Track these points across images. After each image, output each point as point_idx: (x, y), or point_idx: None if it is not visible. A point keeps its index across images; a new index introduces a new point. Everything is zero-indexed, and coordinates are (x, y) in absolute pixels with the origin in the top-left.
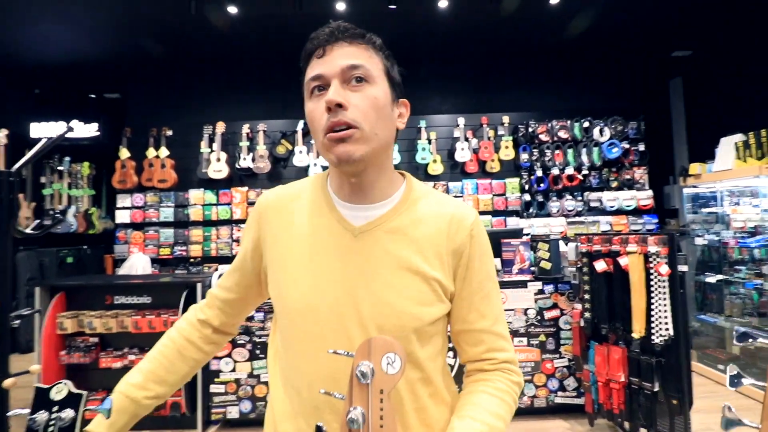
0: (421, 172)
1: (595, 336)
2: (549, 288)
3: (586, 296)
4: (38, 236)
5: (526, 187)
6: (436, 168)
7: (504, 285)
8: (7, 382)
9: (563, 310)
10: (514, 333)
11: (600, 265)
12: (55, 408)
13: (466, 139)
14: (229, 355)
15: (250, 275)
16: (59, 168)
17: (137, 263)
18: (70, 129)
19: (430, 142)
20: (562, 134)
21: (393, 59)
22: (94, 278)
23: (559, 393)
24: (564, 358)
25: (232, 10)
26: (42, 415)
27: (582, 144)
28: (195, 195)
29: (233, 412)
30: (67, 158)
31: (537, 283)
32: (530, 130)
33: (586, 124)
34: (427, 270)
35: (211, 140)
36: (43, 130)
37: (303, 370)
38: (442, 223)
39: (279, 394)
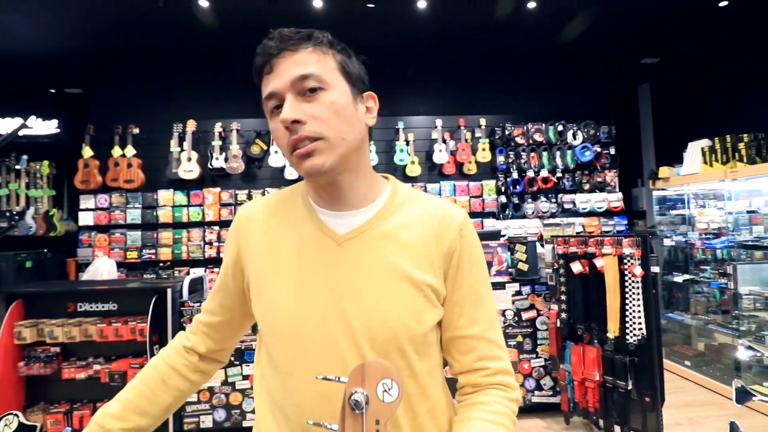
0: (399, 174)
1: (571, 336)
2: (526, 289)
3: (563, 297)
4: None
5: (503, 189)
6: (414, 169)
7: None
8: None
9: (540, 311)
10: None
11: (576, 267)
12: None
13: (444, 141)
14: None
15: (234, 295)
16: (16, 167)
17: (102, 267)
18: (25, 125)
19: (408, 144)
20: (538, 137)
21: (349, 51)
22: (55, 284)
23: (536, 392)
24: (540, 358)
25: (204, 3)
26: None
27: (556, 147)
28: (164, 196)
29: (207, 422)
30: (25, 156)
31: (514, 285)
32: (507, 132)
33: (561, 128)
34: (417, 275)
35: (182, 139)
36: None
37: (291, 391)
38: (431, 225)
39: (266, 418)
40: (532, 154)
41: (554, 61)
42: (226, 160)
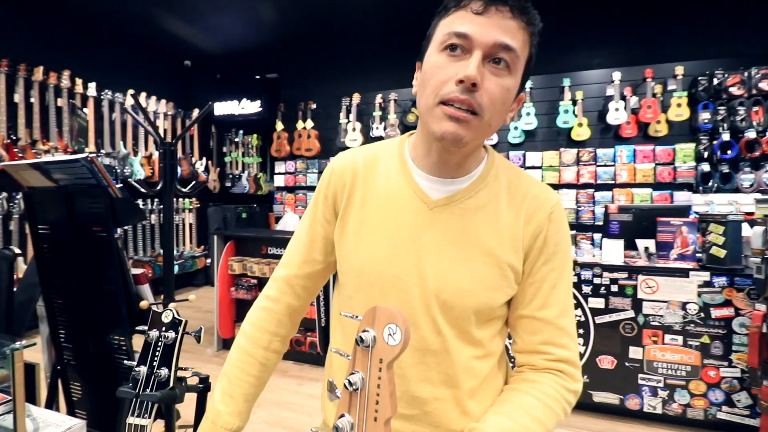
0: (563, 138)
1: None
2: (720, 281)
3: None
4: (192, 194)
5: (705, 154)
6: (582, 132)
7: (656, 272)
8: (143, 304)
9: (739, 310)
10: (666, 329)
11: None
12: (163, 328)
13: (623, 98)
14: None
15: (332, 240)
16: (235, 140)
17: (289, 221)
18: (211, 106)
19: (575, 104)
20: (765, 86)
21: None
22: (254, 231)
23: (724, 408)
24: (735, 367)
25: None
26: (154, 333)
27: None
28: None
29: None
30: (241, 131)
31: (703, 274)
32: (715, 82)
33: None
34: (500, 253)
35: (348, 111)
36: (223, 108)
37: None
38: (522, 202)
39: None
40: (755, 109)
41: None
42: (384, 128)
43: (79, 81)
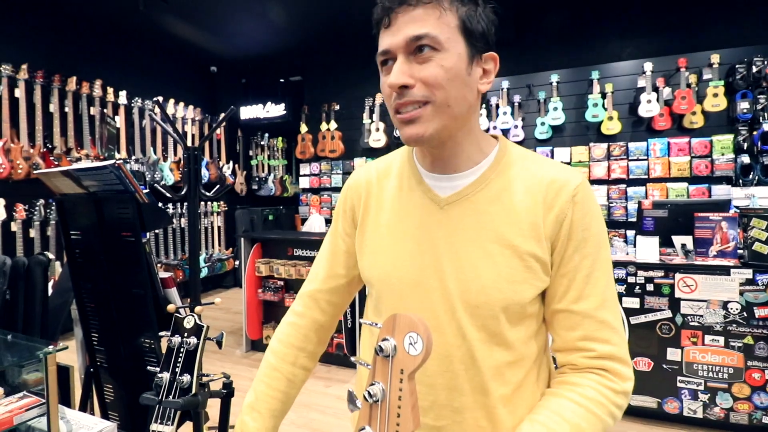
0: (593, 132)
1: None
2: (764, 278)
3: None
4: (216, 198)
5: (745, 145)
6: (612, 126)
7: (694, 270)
8: (170, 307)
9: None
10: (706, 329)
11: None
12: (186, 334)
13: (655, 89)
14: None
15: (354, 254)
16: (261, 143)
17: (315, 223)
18: (233, 110)
19: (604, 97)
20: None
21: (476, 1)
22: (279, 233)
23: None
24: None
25: None
26: (176, 339)
27: None
28: (359, 163)
29: None
30: (266, 134)
31: (745, 271)
32: (755, 69)
33: None
34: (519, 243)
35: (372, 111)
36: (249, 113)
37: None
38: (539, 189)
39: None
40: None
41: None
42: None
43: (110, 90)
